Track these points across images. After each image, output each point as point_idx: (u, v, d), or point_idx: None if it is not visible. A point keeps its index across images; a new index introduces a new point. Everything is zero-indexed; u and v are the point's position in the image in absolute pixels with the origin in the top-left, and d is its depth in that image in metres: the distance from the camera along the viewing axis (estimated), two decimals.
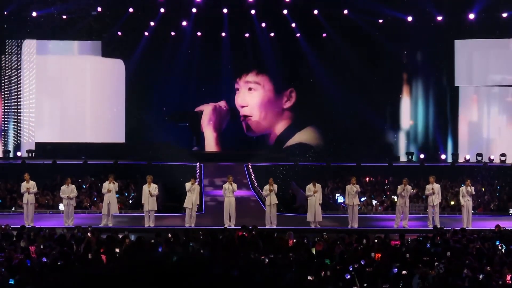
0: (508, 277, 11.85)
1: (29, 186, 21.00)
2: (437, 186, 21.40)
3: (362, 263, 12.41)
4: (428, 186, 21.36)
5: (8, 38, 34.38)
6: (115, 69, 35.05)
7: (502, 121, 34.57)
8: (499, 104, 34.67)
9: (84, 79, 35.36)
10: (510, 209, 25.11)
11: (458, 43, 34.30)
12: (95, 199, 25.45)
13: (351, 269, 11.91)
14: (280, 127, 36.81)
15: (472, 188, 21.43)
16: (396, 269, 11.77)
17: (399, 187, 21.66)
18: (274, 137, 36.88)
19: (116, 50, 34.78)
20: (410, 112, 35.68)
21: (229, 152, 35.89)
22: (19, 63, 34.65)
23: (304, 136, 36.40)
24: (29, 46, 34.61)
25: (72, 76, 35.24)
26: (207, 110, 36.25)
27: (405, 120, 35.80)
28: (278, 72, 36.10)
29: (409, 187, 21.46)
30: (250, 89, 36.47)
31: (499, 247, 14.72)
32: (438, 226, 20.24)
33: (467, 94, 34.87)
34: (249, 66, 36.25)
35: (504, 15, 32.12)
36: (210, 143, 36.41)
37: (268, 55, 35.65)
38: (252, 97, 36.49)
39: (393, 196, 24.77)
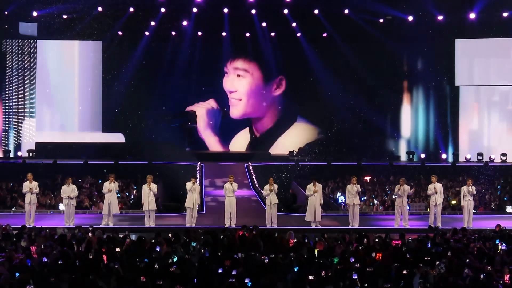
0: (507, 277, 11.85)
1: (31, 186, 21.00)
2: (439, 186, 21.36)
3: (352, 260, 12.38)
4: (430, 186, 21.33)
5: (8, 38, 34.38)
6: (115, 68, 35.06)
7: (502, 126, 34.56)
8: (500, 110, 34.68)
9: (85, 79, 35.37)
10: (507, 208, 25.13)
11: (459, 43, 34.27)
12: (95, 199, 25.45)
13: (351, 259, 11.94)
14: (273, 122, 37.03)
15: (473, 187, 21.40)
16: (393, 273, 11.75)
17: (396, 186, 21.72)
18: (270, 132, 37.07)
19: (116, 50, 34.79)
20: (411, 111, 35.67)
21: (229, 151, 36.00)
22: (20, 63, 34.66)
23: (304, 135, 36.48)
24: (30, 46, 34.61)
25: (73, 76, 35.28)
26: (200, 112, 36.33)
27: (406, 119, 35.80)
28: (275, 70, 36.12)
29: (406, 187, 21.46)
30: (238, 75, 36.64)
31: (499, 245, 14.72)
32: (440, 226, 20.28)
33: (468, 94, 34.87)
34: (241, 51, 36.23)
35: (505, 14, 32.07)
36: (213, 144, 36.55)
37: (268, 55, 35.69)
38: (240, 83, 36.64)
39: (394, 196, 24.76)
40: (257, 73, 36.80)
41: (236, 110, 36.73)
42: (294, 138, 36.32)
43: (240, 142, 36.97)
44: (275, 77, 36.59)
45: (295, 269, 11.97)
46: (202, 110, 36.42)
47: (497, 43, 33.93)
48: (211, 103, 36.54)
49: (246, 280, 10.98)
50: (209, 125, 36.49)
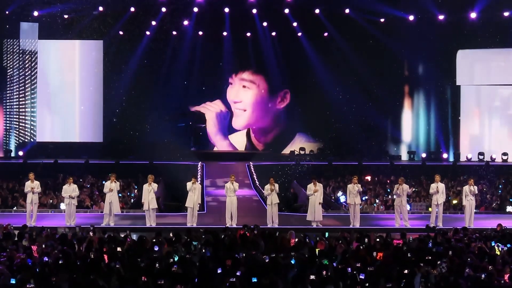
0: (506, 276, 11.84)
1: (33, 186, 20.99)
2: (441, 186, 21.34)
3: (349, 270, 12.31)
4: (433, 185, 21.32)
5: (9, 37, 34.37)
6: (116, 68, 35.04)
7: (503, 130, 34.57)
8: (501, 115, 34.69)
9: (86, 79, 35.37)
10: (508, 207, 25.13)
11: (459, 42, 34.14)
12: (96, 198, 25.46)
13: (349, 270, 11.90)
14: (275, 135, 37.00)
15: (475, 187, 21.40)
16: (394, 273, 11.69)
17: (395, 186, 21.72)
18: (271, 136, 37.03)
19: (117, 50, 34.78)
20: (412, 111, 35.64)
21: (231, 151, 36.00)
22: (20, 63, 34.65)
23: (305, 143, 36.44)
24: (31, 45, 34.61)
25: (74, 75, 35.29)
26: (210, 116, 36.27)
27: (407, 119, 35.77)
28: (276, 71, 36.09)
29: (405, 186, 21.46)
30: (244, 86, 36.66)
31: (495, 247, 14.72)
32: (437, 225, 20.28)
33: (469, 93, 34.86)
34: (247, 63, 36.26)
35: (506, 14, 32.03)
36: (224, 148, 36.54)
37: (269, 55, 35.68)
38: (245, 94, 36.63)
39: (394, 196, 24.78)
40: (263, 85, 36.83)
41: (240, 121, 36.71)
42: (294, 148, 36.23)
43: (242, 136, 36.93)
44: (280, 90, 36.60)
45: (295, 265, 12.00)
46: (211, 113, 36.39)
47: (498, 42, 33.81)
48: (218, 104, 36.50)
49: (251, 277, 10.98)
50: (219, 129, 36.49)
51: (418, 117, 35.54)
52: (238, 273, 11.29)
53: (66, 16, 33.32)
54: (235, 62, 36.27)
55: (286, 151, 36.29)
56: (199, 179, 26.37)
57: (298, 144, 36.46)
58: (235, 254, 13.01)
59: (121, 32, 34.61)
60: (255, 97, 36.83)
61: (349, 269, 11.97)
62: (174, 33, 35.09)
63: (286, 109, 36.92)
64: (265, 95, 36.91)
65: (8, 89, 34.65)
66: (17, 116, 34.87)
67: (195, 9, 33.65)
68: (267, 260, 12.54)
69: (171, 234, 15.79)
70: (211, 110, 36.47)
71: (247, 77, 36.76)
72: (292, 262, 12.42)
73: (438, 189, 21.06)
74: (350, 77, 34.79)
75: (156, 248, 13.82)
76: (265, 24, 35.05)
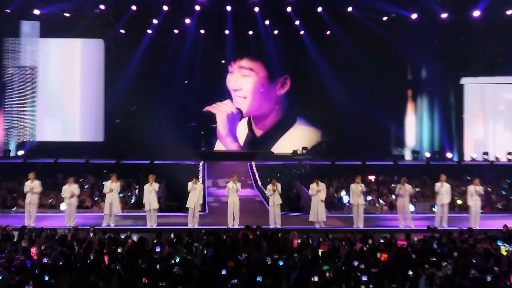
0: None
1: (33, 186, 20.80)
2: (447, 186, 21.17)
3: (355, 264, 12.18)
4: (438, 184, 21.14)
5: (9, 36, 34.25)
6: (118, 66, 34.90)
7: (509, 134, 34.47)
8: (506, 119, 34.60)
9: (87, 78, 35.24)
10: None
11: (461, 38, 33.96)
12: (96, 198, 25.30)
13: (356, 264, 11.79)
14: (275, 122, 36.86)
15: (481, 187, 21.22)
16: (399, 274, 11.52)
17: (397, 186, 21.54)
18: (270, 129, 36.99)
19: (118, 48, 34.66)
20: (416, 109, 35.48)
21: (235, 151, 35.91)
22: (21, 62, 34.52)
23: (307, 137, 36.31)
24: (32, 44, 34.48)
25: (75, 74, 35.16)
26: (221, 117, 36.08)
27: (411, 118, 35.61)
28: (280, 69, 35.97)
29: (408, 186, 21.27)
30: (243, 74, 36.57)
31: (501, 246, 14.54)
32: (446, 226, 20.13)
33: (473, 93, 34.70)
34: (246, 51, 36.14)
35: (509, 12, 31.85)
36: (233, 147, 36.47)
37: (272, 53, 35.55)
38: (245, 82, 36.47)
39: (397, 196, 24.58)
40: (262, 72, 36.72)
41: (241, 108, 36.58)
42: (296, 140, 36.06)
43: (243, 124, 36.78)
44: (280, 76, 36.46)
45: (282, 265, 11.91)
46: (222, 115, 36.22)
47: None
48: (229, 105, 36.34)
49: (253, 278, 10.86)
50: (230, 131, 36.36)
51: (422, 115, 35.37)
52: (229, 271, 11.18)
53: (67, 15, 33.21)
54: (233, 50, 36.10)
55: (286, 137, 36.10)
56: (200, 179, 26.19)
57: (298, 130, 36.35)
58: (237, 255, 12.84)
59: (122, 31, 34.49)
60: (255, 84, 36.72)
61: (355, 263, 11.85)
62: (176, 31, 34.97)
63: (286, 95, 36.79)
64: (265, 82, 36.79)
65: (8, 88, 34.51)
66: (17, 116, 34.72)
67: (197, 8, 33.51)
68: (269, 262, 12.39)
69: (172, 235, 15.62)
70: (222, 111, 36.29)
71: (246, 65, 36.64)
72: (280, 263, 12.27)
73: (443, 188, 20.87)
74: (353, 75, 34.60)
75: (159, 249, 13.67)
76: (267, 22, 34.91)
